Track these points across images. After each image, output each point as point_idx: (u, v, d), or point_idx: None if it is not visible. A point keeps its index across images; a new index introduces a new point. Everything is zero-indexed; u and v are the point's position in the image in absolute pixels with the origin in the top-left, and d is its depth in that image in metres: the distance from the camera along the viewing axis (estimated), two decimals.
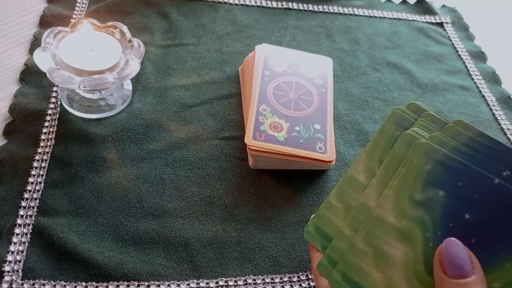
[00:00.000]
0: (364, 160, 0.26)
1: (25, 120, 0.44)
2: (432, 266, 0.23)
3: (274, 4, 0.65)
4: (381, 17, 0.68)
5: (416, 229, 0.24)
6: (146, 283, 0.36)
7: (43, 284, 0.35)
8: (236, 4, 0.64)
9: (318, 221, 0.28)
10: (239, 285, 0.38)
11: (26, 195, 0.39)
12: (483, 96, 0.59)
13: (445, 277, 0.22)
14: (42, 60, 0.42)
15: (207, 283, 0.37)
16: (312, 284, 0.39)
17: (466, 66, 0.63)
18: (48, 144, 0.43)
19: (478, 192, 0.22)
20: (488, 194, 0.22)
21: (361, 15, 0.68)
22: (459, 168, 0.23)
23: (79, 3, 0.58)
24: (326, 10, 0.67)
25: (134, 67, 0.44)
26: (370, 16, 0.68)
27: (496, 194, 0.22)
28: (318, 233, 0.27)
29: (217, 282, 0.38)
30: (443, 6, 0.73)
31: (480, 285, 0.21)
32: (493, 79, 0.62)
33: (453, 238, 0.22)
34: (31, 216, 0.38)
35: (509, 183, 0.22)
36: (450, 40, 0.67)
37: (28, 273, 0.35)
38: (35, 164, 0.41)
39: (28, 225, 0.38)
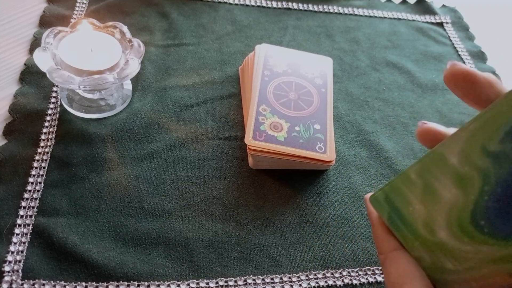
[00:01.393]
0: (463, 140, 0.23)
1: (25, 120, 0.44)
2: (478, 219, 0.22)
3: (274, 4, 0.65)
4: (381, 17, 0.68)
5: (477, 178, 0.22)
6: (146, 283, 0.36)
7: (43, 284, 0.35)
8: (236, 4, 0.64)
9: (391, 191, 0.26)
10: (239, 285, 0.38)
11: (26, 195, 0.39)
12: None
13: None
14: (42, 60, 0.42)
15: (207, 283, 0.37)
16: (312, 284, 0.39)
17: None
18: (48, 144, 0.43)
19: None
20: None
21: (361, 15, 0.68)
22: None
23: (79, 3, 0.58)
24: (326, 10, 0.67)
25: (134, 67, 0.44)
26: (370, 16, 0.68)
27: None
28: (388, 203, 0.26)
29: (217, 282, 0.38)
30: (443, 6, 0.73)
31: None
32: None
33: None
34: (31, 216, 0.38)
35: None
36: (450, 40, 0.67)
37: (28, 273, 0.35)
38: (35, 164, 0.42)
39: (28, 225, 0.38)
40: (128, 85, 0.49)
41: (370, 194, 0.30)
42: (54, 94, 0.47)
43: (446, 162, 0.23)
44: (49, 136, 0.44)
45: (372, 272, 0.40)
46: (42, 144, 0.43)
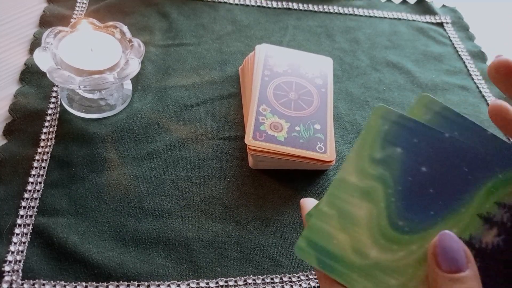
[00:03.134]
0: (353, 159, 0.25)
1: (25, 120, 0.44)
2: (395, 221, 0.24)
3: (274, 4, 0.65)
4: (381, 17, 0.68)
5: (378, 186, 0.25)
6: (146, 283, 0.36)
7: (43, 284, 0.35)
8: (236, 4, 0.64)
9: (311, 233, 0.26)
10: (239, 285, 0.38)
11: (26, 195, 0.39)
12: (483, 96, 0.59)
13: (439, 271, 0.22)
14: (42, 60, 0.42)
15: (207, 283, 0.37)
16: (312, 284, 0.39)
17: (466, 66, 0.63)
18: (48, 144, 0.43)
19: (432, 146, 0.24)
20: (441, 147, 0.24)
21: (361, 15, 0.68)
22: (412, 127, 0.25)
23: (79, 3, 0.58)
24: (326, 10, 0.67)
25: (134, 67, 0.44)
26: (370, 16, 0.68)
27: (447, 147, 0.24)
28: (312, 248, 0.26)
29: (217, 282, 0.38)
30: (443, 6, 0.73)
31: (474, 280, 0.21)
32: None
33: (447, 231, 0.23)
34: (31, 216, 0.38)
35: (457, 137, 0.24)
36: (450, 40, 0.67)
37: (28, 273, 0.35)
38: (35, 164, 0.41)
39: (28, 225, 0.38)
40: (128, 85, 0.49)
41: (307, 200, 0.29)
42: (54, 94, 0.47)
43: (348, 183, 0.25)
44: (49, 136, 0.44)
45: None
46: (42, 144, 0.43)
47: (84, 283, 0.36)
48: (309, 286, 0.39)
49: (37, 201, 0.39)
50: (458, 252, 0.22)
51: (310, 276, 0.39)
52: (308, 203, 0.29)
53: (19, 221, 0.38)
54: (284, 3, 0.66)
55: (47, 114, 0.45)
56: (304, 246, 0.26)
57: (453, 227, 0.23)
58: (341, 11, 0.67)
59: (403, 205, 0.24)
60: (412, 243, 0.24)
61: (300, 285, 0.39)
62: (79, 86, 0.41)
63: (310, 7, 0.66)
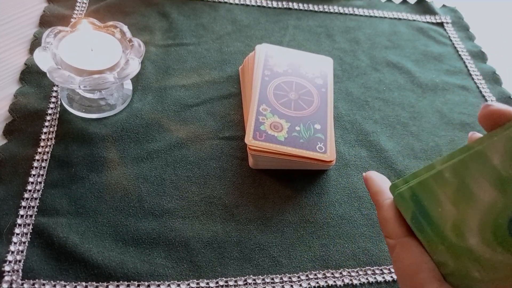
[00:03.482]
0: (509, 140, 0.21)
1: (25, 120, 0.44)
2: None
3: (274, 4, 0.65)
4: (381, 17, 0.68)
5: None
6: (146, 283, 0.36)
7: (43, 284, 0.35)
8: (236, 4, 0.64)
9: (419, 188, 0.24)
10: (239, 285, 0.38)
11: (26, 195, 0.39)
12: (483, 96, 0.59)
13: None
14: (42, 60, 0.42)
15: (207, 283, 0.37)
16: (312, 284, 0.39)
17: (466, 66, 0.63)
18: (48, 144, 0.43)
19: None
20: None
21: (361, 15, 0.67)
22: None
23: (79, 2, 0.58)
24: (326, 10, 0.67)
25: (134, 67, 0.44)
26: (370, 16, 0.68)
27: None
28: (414, 201, 0.24)
29: (217, 282, 0.37)
30: (443, 6, 0.73)
31: None
32: (493, 79, 0.62)
33: None
34: (31, 216, 0.38)
35: None
36: (450, 40, 0.67)
37: (28, 273, 0.35)
38: (35, 164, 0.41)
39: (28, 225, 0.38)
40: (128, 85, 0.49)
41: (370, 172, 0.28)
42: (54, 94, 0.47)
43: (487, 162, 0.21)
44: (49, 136, 0.44)
45: (372, 272, 0.40)
46: (42, 144, 0.43)
47: (84, 283, 0.36)
48: (309, 286, 0.39)
49: (37, 201, 0.39)
50: None
51: (310, 276, 0.39)
52: (375, 174, 0.28)
53: (19, 221, 0.38)
54: (284, 3, 0.66)
55: (47, 114, 0.45)
56: (407, 196, 0.24)
57: None
58: (341, 11, 0.67)
59: None
60: None
61: (300, 285, 0.39)
62: (79, 86, 0.41)
63: (310, 7, 0.66)
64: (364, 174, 0.29)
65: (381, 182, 0.28)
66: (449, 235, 0.23)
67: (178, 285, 0.37)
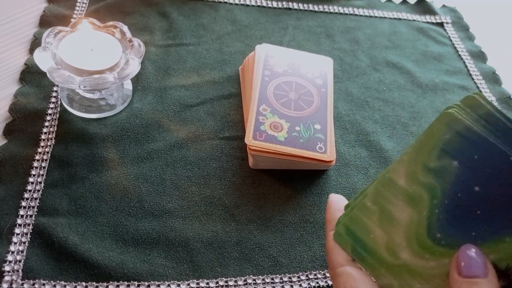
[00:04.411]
0: (406, 163, 0.25)
1: (25, 120, 0.44)
2: (434, 232, 0.24)
3: (274, 4, 0.65)
4: (381, 17, 0.68)
5: (425, 195, 0.24)
6: (146, 283, 0.36)
7: (43, 284, 0.35)
8: (236, 4, 0.64)
9: (351, 223, 0.27)
10: (239, 285, 0.38)
11: (26, 195, 0.39)
12: None
13: (458, 278, 0.22)
14: (42, 60, 0.42)
15: (207, 283, 0.37)
16: (312, 284, 0.39)
17: (466, 66, 0.63)
18: (48, 144, 0.43)
19: (492, 166, 0.23)
20: (502, 170, 0.23)
21: (361, 15, 0.67)
22: (477, 141, 0.23)
23: (79, 2, 0.58)
24: (326, 10, 0.67)
25: (134, 67, 0.44)
26: (370, 16, 0.68)
27: (509, 171, 0.23)
28: (349, 236, 0.27)
29: (217, 282, 0.37)
30: (443, 6, 0.73)
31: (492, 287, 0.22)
32: (493, 79, 0.62)
33: (470, 244, 0.23)
34: (31, 216, 0.38)
35: None
36: (450, 40, 0.67)
37: (28, 273, 0.35)
38: (35, 164, 0.41)
39: (28, 225, 0.38)
40: (128, 85, 0.49)
41: (333, 196, 0.31)
42: (54, 94, 0.47)
43: (395, 185, 0.25)
44: (49, 136, 0.44)
45: None
46: (42, 144, 0.43)
47: (84, 283, 0.36)
48: (309, 286, 0.39)
49: (37, 201, 0.39)
50: (477, 261, 0.22)
51: (310, 276, 0.39)
52: (337, 198, 0.30)
53: (19, 221, 0.38)
54: (284, 3, 0.66)
55: (47, 114, 0.45)
56: (342, 232, 0.27)
57: (491, 252, 0.23)
58: (341, 11, 0.67)
59: (446, 218, 0.24)
60: (445, 257, 0.24)
61: (300, 285, 0.39)
62: (79, 86, 0.41)
63: (310, 7, 0.66)
64: (329, 195, 0.31)
65: (336, 210, 0.30)
66: (386, 257, 0.26)
67: (178, 285, 0.37)
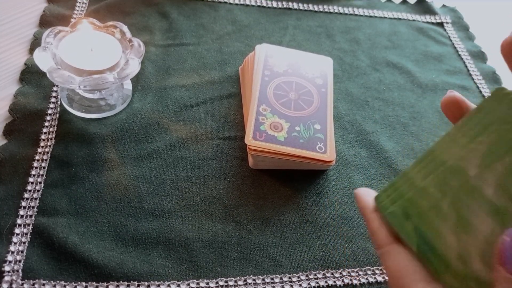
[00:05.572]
0: (499, 172, 0.23)
1: (25, 120, 0.44)
2: None
3: (274, 4, 0.65)
4: (381, 17, 0.68)
5: None
6: (146, 283, 0.36)
7: (43, 284, 0.35)
8: (236, 4, 0.64)
9: (420, 222, 0.25)
10: (239, 285, 0.38)
11: (26, 195, 0.39)
12: (483, 96, 0.59)
13: (501, 269, 0.21)
14: (42, 60, 0.42)
15: (207, 283, 0.37)
16: (312, 284, 0.39)
17: (466, 66, 0.63)
18: (48, 144, 0.43)
19: None
20: None
21: (361, 15, 0.68)
22: None
23: (79, 3, 0.58)
24: (326, 10, 0.67)
25: (134, 67, 0.44)
26: (370, 16, 0.68)
27: None
28: (417, 235, 0.25)
29: (217, 282, 0.38)
30: (443, 6, 0.73)
31: None
32: (493, 79, 0.62)
33: None
34: (31, 216, 0.38)
35: None
36: (450, 40, 0.67)
37: (28, 273, 0.35)
38: (35, 164, 0.41)
39: (28, 225, 0.38)
40: (128, 85, 0.49)
41: (359, 188, 0.29)
42: (54, 94, 0.47)
43: (481, 194, 0.23)
44: (49, 136, 0.44)
45: (372, 272, 0.40)
46: (42, 144, 0.43)
47: (84, 283, 0.36)
48: (309, 286, 0.39)
49: (37, 201, 0.39)
50: None
51: (310, 276, 0.39)
52: (363, 191, 0.29)
53: (19, 221, 0.38)
54: (284, 3, 0.66)
55: (47, 114, 0.45)
56: (410, 229, 0.26)
57: None
58: (341, 11, 0.67)
59: None
60: None
61: (300, 285, 0.39)
62: (79, 86, 0.41)
63: (310, 7, 0.66)
64: (354, 191, 0.30)
65: (367, 196, 0.29)
66: (455, 264, 0.24)
67: (178, 285, 0.37)
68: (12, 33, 0.53)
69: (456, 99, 0.27)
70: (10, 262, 0.35)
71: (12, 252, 0.36)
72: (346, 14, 0.67)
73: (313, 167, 0.46)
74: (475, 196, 0.23)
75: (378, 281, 0.40)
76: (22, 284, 0.35)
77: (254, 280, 0.38)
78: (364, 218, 0.28)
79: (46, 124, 0.45)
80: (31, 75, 0.48)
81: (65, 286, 0.35)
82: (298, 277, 0.39)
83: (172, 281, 0.37)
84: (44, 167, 0.42)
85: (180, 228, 0.40)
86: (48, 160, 0.42)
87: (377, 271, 0.41)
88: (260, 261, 0.39)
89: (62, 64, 0.43)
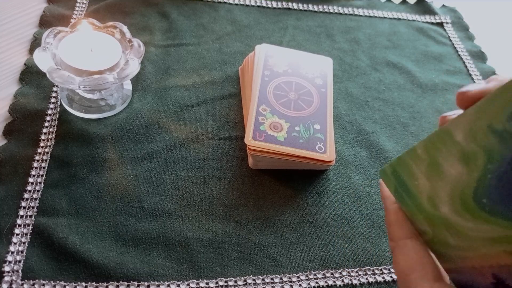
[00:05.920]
0: (469, 118, 0.23)
1: (25, 120, 0.44)
2: (480, 196, 0.23)
3: (274, 4, 0.65)
4: (381, 17, 0.68)
5: (481, 156, 0.23)
6: (146, 283, 0.36)
7: (43, 284, 0.35)
8: (236, 4, 0.64)
9: (398, 165, 0.27)
10: (239, 285, 0.38)
11: (26, 195, 0.39)
12: None
13: None
14: (42, 60, 0.42)
15: (207, 283, 0.37)
16: (311, 284, 0.39)
17: (466, 66, 0.63)
18: (48, 144, 0.43)
19: None
20: None
21: (361, 15, 0.68)
22: None
23: (79, 3, 0.58)
24: (326, 10, 0.67)
25: (134, 67, 0.44)
26: (370, 16, 0.68)
27: None
28: (394, 177, 0.27)
29: (217, 282, 0.38)
30: (443, 6, 0.73)
31: None
32: None
33: None
34: (31, 216, 0.38)
35: None
36: (450, 40, 0.67)
37: (28, 273, 0.35)
38: (35, 164, 0.42)
39: (28, 225, 0.38)
40: (128, 85, 0.49)
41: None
42: (54, 94, 0.47)
43: (452, 139, 0.24)
44: (49, 136, 0.44)
45: (372, 272, 0.40)
46: (42, 144, 0.43)
47: (84, 283, 0.36)
48: (308, 286, 0.39)
49: (37, 201, 0.39)
50: None
51: (310, 276, 0.39)
52: None
53: (19, 221, 0.38)
54: (284, 3, 0.66)
55: (47, 114, 0.45)
56: (389, 172, 0.27)
57: None
58: (341, 11, 0.67)
59: (496, 185, 0.22)
60: (485, 223, 0.23)
61: (300, 285, 0.39)
62: (79, 86, 0.41)
63: (310, 7, 0.66)
64: (379, 180, 0.31)
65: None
66: (426, 206, 0.25)
67: (178, 285, 0.37)
68: (12, 33, 0.53)
69: (472, 96, 0.25)
70: (10, 262, 0.35)
71: (12, 252, 0.36)
72: (346, 14, 0.67)
73: (313, 167, 0.46)
74: (447, 141, 0.24)
75: (378, 281, 0.40)
76: (22, 284, 0.35)
77: (254, 280, 0.38)
78: (384, 208, 0.29)
79: (46, 124, 0.45)
80: (31, 75, 0.48)
81: (65, 286, 0.35)
82: (298, 277, 0.39)
83: (172, 281, 0.37)
84: (44, 167, 0.42)
85: (180, 228, 0.40)
86: (48, 160, 0.42)
87: (376, 271, 0.41)
88: (260, 261, 0.39)
89: (62, 65, 0.43)
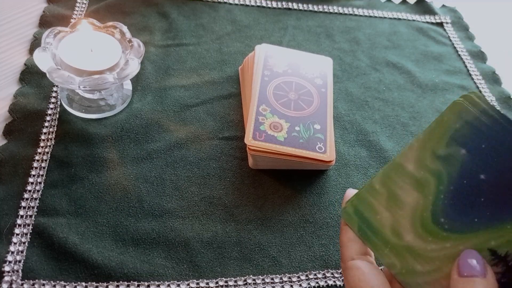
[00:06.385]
0: (416, 149, 0.26)
1: (25, 120, 0.44)
2: (438, 217, 0.25)
3: (274, 4, 0.65)
4: (381, 17, 0.68)
5: (432, 180, 0.25)
6: (146, 283, 0.36)
7: (43, 284, 0.35)
8: (236, 4, 0.64)
9: (359, 203, 0.28)
10: (239, 285, 0.38)
11: (26, 195, 0.39)
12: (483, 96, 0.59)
13: (458, 278, 0.23)
14: (42, 60, 0.42)
15: (207, 283, 0.37)
16: (312, 284, 0.39)
17: (466, 66, 0.63)
18: (48, 144, 0.43)
19: (499, 156, 0.24)
20: (508, 160, 0.24)
21: (361, 15, 0.68)
22: (485, 131, 0.24)
23: (79, 3, 0.58)
24: (326, 10, 0.67)
25: (134, 67, 0.44)
26: (370, 16, 0.68)
27: None
28: (357, 215, 0.28)
29: (217, 282, 0.38)
30: (443, 6, 0.73)
31: (487, 287, 0.22)
32: (493, 79, 0.62)
33: (470, 250, 0.24)
34: (31, 216, 0.38)
35: None
36: (450, 40, 0.67)
37: (28, 273, 0.35)
38: (35, 164, 0.42)
39: (28, 225, 0.38)
40: (128, 85, 0.49)
41: (349, 190, 0.31)
42: (54, 94, 0.47)
43: (404, 170, 0.27)
44: (49, 136, 0.44)
45: None
46: (42, 144, 0.43)
47: (84, 283, 0.36)
48: (309, 286, 0.39)
49: (37, 201, 0.39)
50: (477, 261, 0.23)
51: (310, 276, 0.39)
52: (352, 192, 0.30)
53: (19, 221, 0.38)
54: (284, 3, 0.66)
55: (47, 114, 0.45)
56: (351, 212, 0.28)
57: (492, 239, 0.24)
58: (341, 11, 0.67)
59: (450, 204, 0.25)
60: (447, 241, 0.25)
61: (300, 285, 0.39)
62: (79, 86, 0.41)
63: (310, 7, 0.66)
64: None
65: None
66: (390, 238, 0.27)
67: (178, 285, 0.37)
68: (12, 33, 0.53)
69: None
70: (10, 262, 0.35)
71: (12, 252, 0.36)
72: (346, 14, 0.67)
73: (313, 167, 0.46)
74: (400, 172, 0.27)
75: None
76: (22, 284, 0.35)
77: (254, 280, 0.38)
78: (340, 226, 0.30)
79: (46, 124, 0.45)
80: (31, 75, 0.48)
81: (65, 286, 0.35)
82: (298, 277, 0.39)
83: (172, 281, 0.37)
84: (44, 167, 0.42)
85: (180, 228, 0.40)
86: (48, 160, 0.42)
87: None
88: (260, 261, 0.39)
89: (62, 65, 0.43)
